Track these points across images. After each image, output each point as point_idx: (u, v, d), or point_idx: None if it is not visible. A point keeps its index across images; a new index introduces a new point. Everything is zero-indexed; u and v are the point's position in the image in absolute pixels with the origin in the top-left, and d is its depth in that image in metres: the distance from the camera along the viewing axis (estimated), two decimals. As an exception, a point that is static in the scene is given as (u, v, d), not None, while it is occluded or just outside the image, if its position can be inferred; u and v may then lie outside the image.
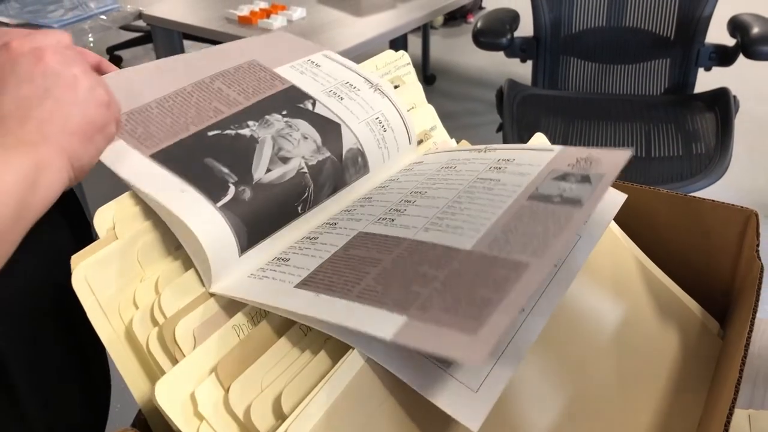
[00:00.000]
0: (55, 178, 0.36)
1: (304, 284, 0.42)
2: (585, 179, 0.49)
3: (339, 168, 0.52)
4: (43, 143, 0.36)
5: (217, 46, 0.60)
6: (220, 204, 0.44)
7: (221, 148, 0.49)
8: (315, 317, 0.39)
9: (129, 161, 0.46)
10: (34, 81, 0.37)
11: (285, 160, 0.50)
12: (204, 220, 0.43)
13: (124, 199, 0.44)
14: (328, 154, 0.52)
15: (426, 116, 0.64)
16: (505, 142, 1.57)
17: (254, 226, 0.46)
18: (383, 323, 0.37)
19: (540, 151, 0.54)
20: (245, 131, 0.51)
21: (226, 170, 0.47)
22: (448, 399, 0.38)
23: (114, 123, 0.42)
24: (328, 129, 0.54)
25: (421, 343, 0.35)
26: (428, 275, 0.41)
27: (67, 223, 0.52)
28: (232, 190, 0.46)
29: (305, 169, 0.50)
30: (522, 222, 0.45)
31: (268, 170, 0.48)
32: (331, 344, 0.40)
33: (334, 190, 0.52)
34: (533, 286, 0.38)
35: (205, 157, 0.48)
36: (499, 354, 0.41)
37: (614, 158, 0.51)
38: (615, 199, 0.56)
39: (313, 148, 0.52)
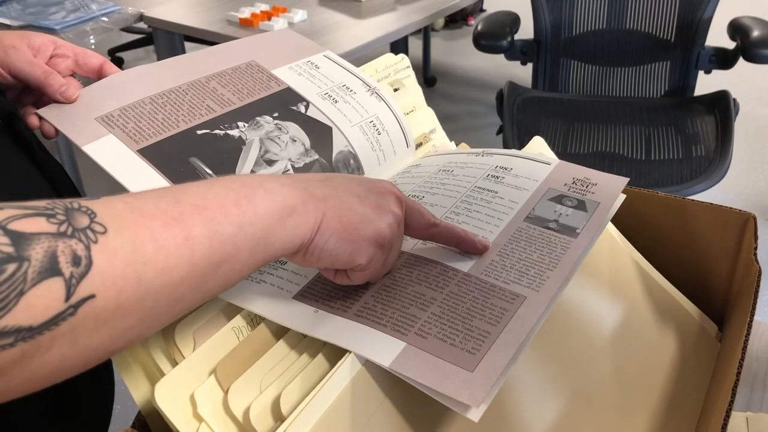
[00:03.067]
0: (302, 225, 0.35)
1: (302, 296, 0.42)
2: (581, 205, 0.49)
3: (329, 170, 0.53)
4: (315, 200, 0.36)
5: (219, 45, 0.60)
6: None
7: (208, 148, 0.49)
8: (314, 336, 0.39)
9: (116, 155, 0.46)
10: (370, 190, 0.39)
11: (270, 162, 0.50)
12: None
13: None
14: (316, 156, 0.52)
15: (425, 119, 0.64)
16: (505, 144, 1.57)
17: None
18: (382, 348, 0.38)
19: (537, 162, 0.55)
20: (234, 132, 0.51)
21: (209, 171, 0.47)
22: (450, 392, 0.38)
23: (369, 261, 0.38)
24: (319, 132, 0.54)
25: (419, 375, 0.36)
26: (426, 296, 0.41)
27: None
28: None
29: (291, 172, 0.50)
30: (519, 246, 0.45)
31: (252, 172, 0.49)
32: (330, 346, 0.40)
33: None
34: (531, 321, 0.39)
35: (191, 155, 0.48)
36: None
37: (611, 185, 0.51)
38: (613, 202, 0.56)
39: (300, 151, 0.52)
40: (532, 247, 0.45)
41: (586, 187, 0.51)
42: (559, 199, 0.50)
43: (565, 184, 0.52)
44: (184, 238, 0.30)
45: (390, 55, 0.66)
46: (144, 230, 0.29)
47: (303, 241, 0.36)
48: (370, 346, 0.38)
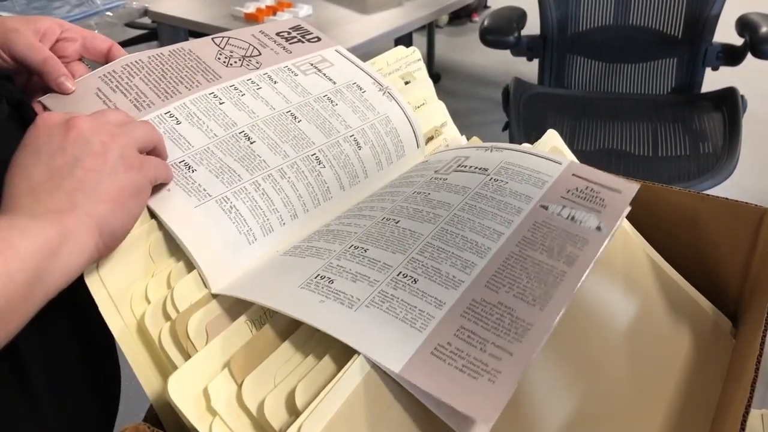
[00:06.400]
0: (80, 247, 0.36)
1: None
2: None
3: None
4: (71, 211, 0.36)
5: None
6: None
7: None
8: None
9: None
10: (66, 151, 0.38)
11: None
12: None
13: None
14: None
15: (437, 113, 0.63)
16: (511, 140, 1.57)
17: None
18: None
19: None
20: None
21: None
22: (452, 412, 0.37)
23: (149, 184, 0.41)
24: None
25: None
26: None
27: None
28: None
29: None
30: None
31: None
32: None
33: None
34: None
35: None
36: None
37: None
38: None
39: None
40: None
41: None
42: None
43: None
44: None
45: (401, 48, 0.65)
46: None
47: (91, 254, 0.37)
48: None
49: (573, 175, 0.52)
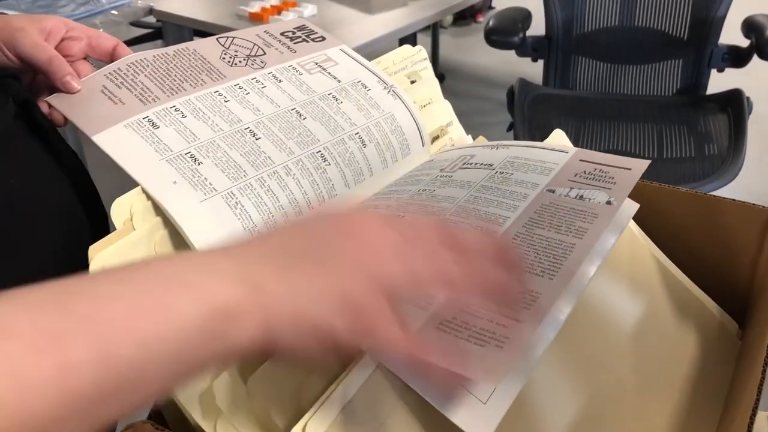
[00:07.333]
0: (237, 327, 0.27)
1: None
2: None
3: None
4: (257, 292, 0.27)
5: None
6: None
7: None
8: None
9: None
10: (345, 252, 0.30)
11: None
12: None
13: (142, 190, 0.44)
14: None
15: (442, 112, 0.63)
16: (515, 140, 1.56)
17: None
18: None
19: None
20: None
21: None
22: (457, 410, 0.37)
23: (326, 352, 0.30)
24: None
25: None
26: None
27: (85, 213, 0.52)
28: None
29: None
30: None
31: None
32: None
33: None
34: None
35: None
36: None
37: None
38: (626, 209, 0.53)
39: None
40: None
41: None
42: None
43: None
44: (56, 365, 0.22)
45: (407, 47, 0.65)
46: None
47: (244, 348, 0.27)
48: None
49: (581, 160, 0.52)
